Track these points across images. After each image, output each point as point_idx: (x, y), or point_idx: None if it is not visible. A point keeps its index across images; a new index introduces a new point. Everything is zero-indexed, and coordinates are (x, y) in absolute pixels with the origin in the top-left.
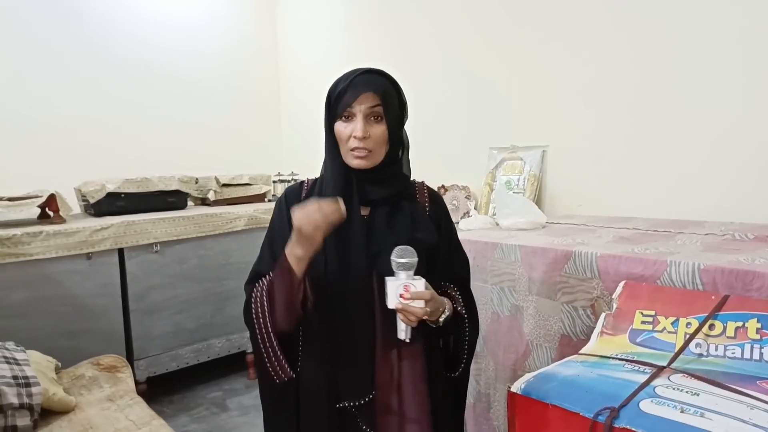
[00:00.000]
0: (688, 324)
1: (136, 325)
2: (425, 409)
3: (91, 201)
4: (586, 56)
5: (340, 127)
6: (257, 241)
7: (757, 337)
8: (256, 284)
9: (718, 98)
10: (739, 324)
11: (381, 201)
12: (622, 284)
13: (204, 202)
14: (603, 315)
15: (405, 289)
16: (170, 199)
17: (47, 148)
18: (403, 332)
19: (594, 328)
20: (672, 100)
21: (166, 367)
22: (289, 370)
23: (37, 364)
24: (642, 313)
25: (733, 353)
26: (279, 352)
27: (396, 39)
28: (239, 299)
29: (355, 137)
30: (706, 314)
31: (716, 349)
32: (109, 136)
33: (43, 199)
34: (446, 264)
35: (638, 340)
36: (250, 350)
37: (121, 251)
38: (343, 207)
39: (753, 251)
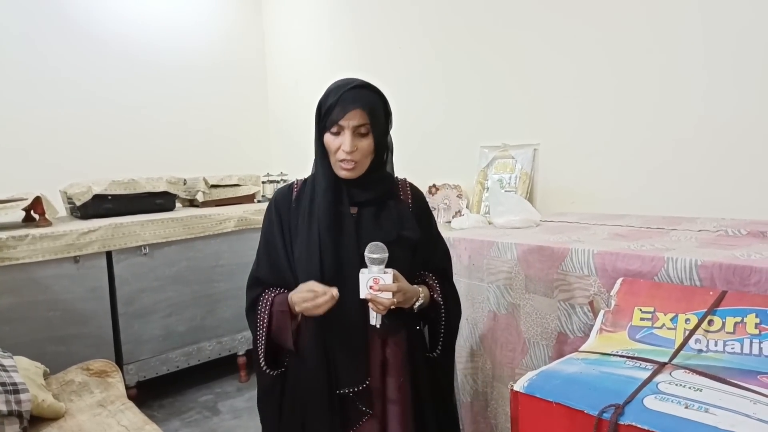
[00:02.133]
0: (687, 320)
1: (125, 328)
2: (406, 391)
3: (78, 203)
4: (575, 54)
5: (329, 139)
6: (248, 242)
7: (756, 332)
8: (261, 297)
9: (705, 96)
10: (738, 319)
11: (367, 202)
12: (619, 281)
13: (192, 203)
14: (602, 312)
15: (375, 282)
16: (158, 201)
17: (31, 149)
18: (373, 319)
19: (591, 325)
20: (660, 98)
21: (156, 371)
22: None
23: (25, 370)
24: (641, 310)
25: (732, 348)
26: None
27: (385, 38)
28: (230, 301)
29: (343, 150)
30: (705, 310)
31: (716, 345)
32: (95, 137)
33: (29, 201)
34: (426, 255)
35: (638, 336)
36: (241, 353)
37: (109, 254)
38: (336, 293)
39: (748, 246)
